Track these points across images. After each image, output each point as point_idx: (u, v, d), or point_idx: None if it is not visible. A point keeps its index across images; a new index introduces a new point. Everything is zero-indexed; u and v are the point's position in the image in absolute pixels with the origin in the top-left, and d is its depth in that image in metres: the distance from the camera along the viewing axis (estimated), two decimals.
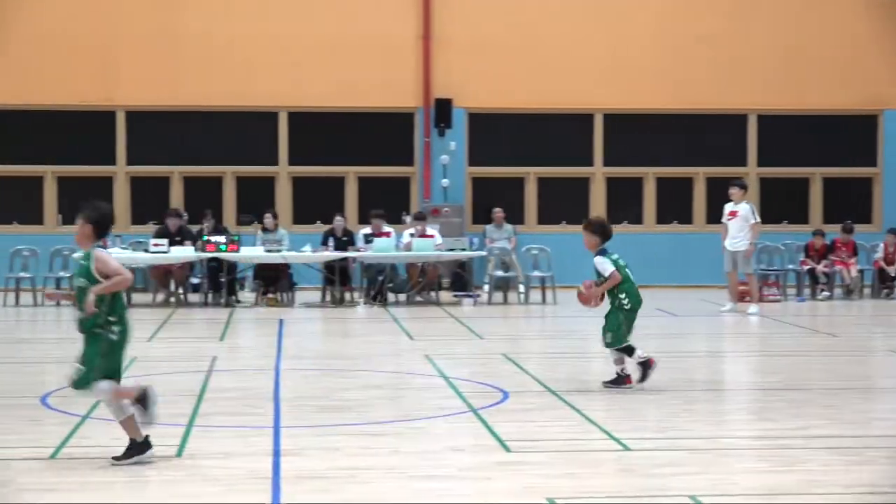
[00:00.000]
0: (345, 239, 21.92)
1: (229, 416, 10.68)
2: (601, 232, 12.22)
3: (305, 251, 21.29)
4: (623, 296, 12.09)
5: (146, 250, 20.89)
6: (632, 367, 12.16)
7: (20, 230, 23.89)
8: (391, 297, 21.90)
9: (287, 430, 10.09)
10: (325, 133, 24.79)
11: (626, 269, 12.21)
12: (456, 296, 22.36)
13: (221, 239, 20.93)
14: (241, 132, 24.65)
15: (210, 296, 21.44)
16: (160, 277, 21.51)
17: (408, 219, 23.48)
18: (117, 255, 20.97)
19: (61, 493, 8.03)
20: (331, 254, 21.37)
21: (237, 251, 20.91)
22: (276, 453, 9.13)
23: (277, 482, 8.27)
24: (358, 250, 21.51)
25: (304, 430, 10.14)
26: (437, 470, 8.67)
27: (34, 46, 23.86)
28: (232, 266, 21.34)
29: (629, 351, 12.11)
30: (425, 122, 24.74)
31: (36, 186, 24.26)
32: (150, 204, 24.19)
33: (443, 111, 24.59)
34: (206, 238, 21.01)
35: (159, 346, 15.88)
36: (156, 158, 24.45)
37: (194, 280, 21.85)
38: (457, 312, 20.21)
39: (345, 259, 21.47)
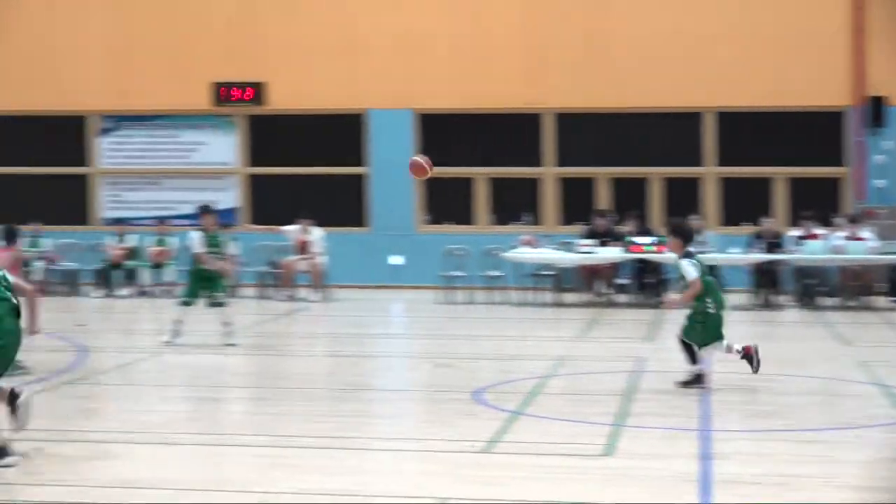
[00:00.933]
0: (773, 241, 21.46)
1: (657, 417, 10.68)
2: (682, 234, 12.37)
3: (733, 253, 20.98)
4: (709, 300, 12.14)
5: (574, 250, 21.20)
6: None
7: (454, 230, 24.72)
8: (823, 301, 21.26)
9: (715, 433, 9.97)
10: (752, 133, 24.32)
11: (707, 277, 12.24)
12: (893, 301, 21.44)
13: (648, 240, 20.96)
14: (667, 133, 24.55)
15: (638, 296, 21.51)
16: (588, 277, 21.79)
17: (840, 221, 22.72)
18: (545, 255, 21.45)
19: (496, 487, 8.25)
20: (759, 256, 20.98)
21: (664, 252, 20.87)
22: (705, 457, 9.04)
23: (707, 486, 8.18)
24: (787, 253, 21.02)
25: (732, 434, 10.00)
26: (876, 482, 8.33)
27: (464, 55, 24.64)
28: (658, 267, 21.33)
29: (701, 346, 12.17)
30: (857, 121, 23.84)
31: (468, 187, 25.05)
32: (577, 205, 24.48)
33: (876, 109, 23.63)
34: (631, 239, 21.09)
35: (587, 345, 16.06)
36: (583, 160, 24.74)
37: (622, 280, 21.98)
38: (894, 318, 19.38)
39: (773, 261, 21.03)
